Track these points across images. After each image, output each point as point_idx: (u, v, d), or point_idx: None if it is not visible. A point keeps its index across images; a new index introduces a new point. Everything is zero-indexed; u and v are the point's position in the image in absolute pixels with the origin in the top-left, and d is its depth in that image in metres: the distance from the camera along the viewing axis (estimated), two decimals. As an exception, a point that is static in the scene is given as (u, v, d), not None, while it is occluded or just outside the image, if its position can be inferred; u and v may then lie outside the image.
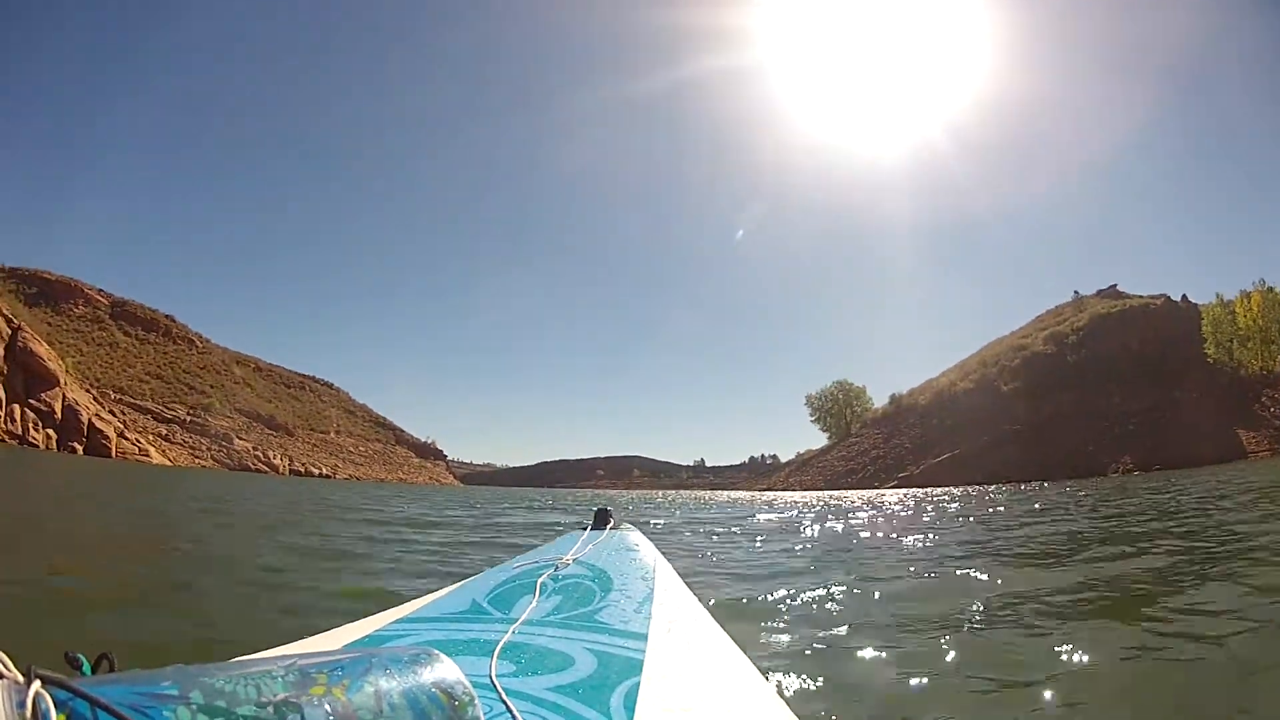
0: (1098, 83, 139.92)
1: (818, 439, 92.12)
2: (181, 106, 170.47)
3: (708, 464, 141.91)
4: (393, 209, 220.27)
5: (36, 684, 0.43)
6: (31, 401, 53.19)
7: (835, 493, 44.86)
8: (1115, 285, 78.17)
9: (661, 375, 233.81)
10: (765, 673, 1.20)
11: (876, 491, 44.06)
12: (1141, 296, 70.60)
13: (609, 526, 2.19)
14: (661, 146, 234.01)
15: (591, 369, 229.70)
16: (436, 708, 0.60)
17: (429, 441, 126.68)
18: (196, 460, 76.61)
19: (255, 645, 0.98)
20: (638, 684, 0.99)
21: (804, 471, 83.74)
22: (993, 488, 34.49)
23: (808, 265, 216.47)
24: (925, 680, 2.31)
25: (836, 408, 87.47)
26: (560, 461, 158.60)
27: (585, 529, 2.13)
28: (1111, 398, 59.09)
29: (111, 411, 66.15)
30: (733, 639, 1.28)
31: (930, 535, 7.83)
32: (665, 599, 1.44)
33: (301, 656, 0.60)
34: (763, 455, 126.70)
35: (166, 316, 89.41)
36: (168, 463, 67.73)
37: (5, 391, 50.44)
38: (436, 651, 0.67)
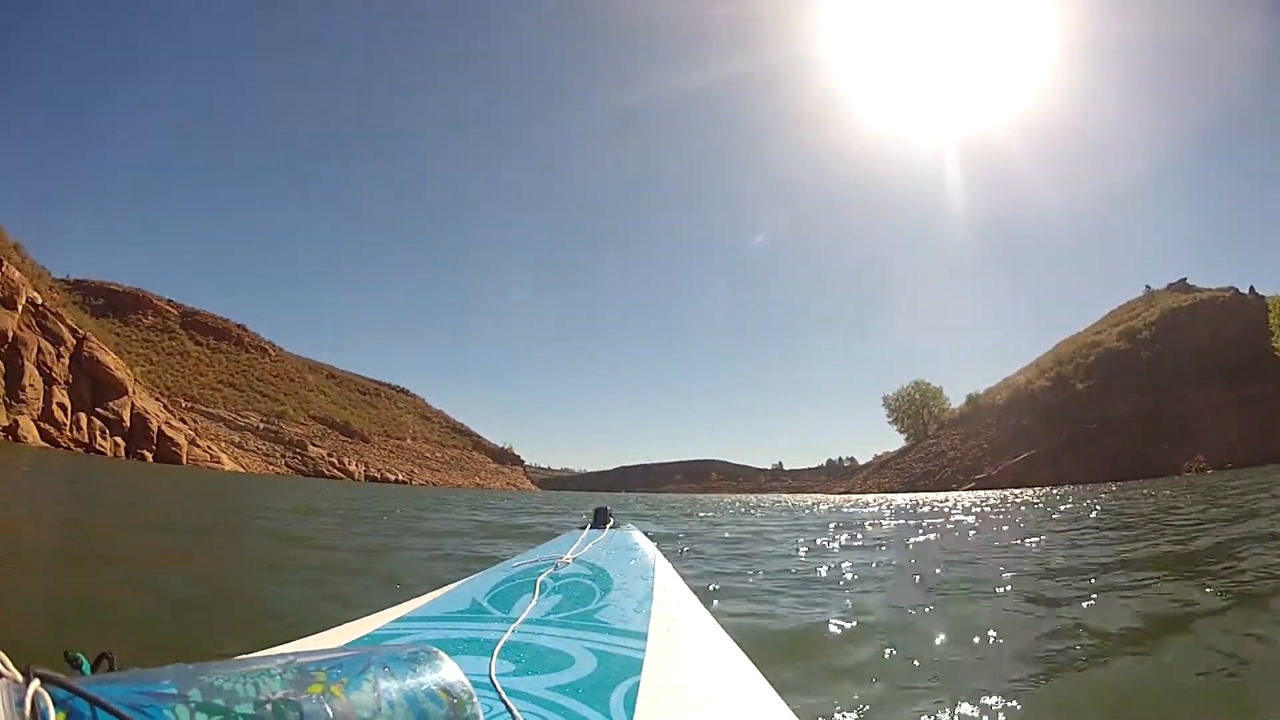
0: (1164, 76, 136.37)
1: (895, 440, 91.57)
2: (238, 123, 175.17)
3: (785, 467, 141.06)
4: (470, 216, 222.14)
5: (35, 683, 0.42)
6: (99, 410, 51.13)
7: (914, 495, 42.66)
8: (1185, 279, 75.94)
9: (739, 378, 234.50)
10: (765, 672, 1.10)
11: (958, 494, 40.80)
12: (1210, 290, 68.76)
13: (609, 525, 2.13)
14: (734, 144, 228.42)
15: (670, 372, 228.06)
16: (436, 706, 0.59)
17: (506, 447, 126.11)
18: (270, 467, 74.79)
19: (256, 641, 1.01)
20: (637, 683, 0.99)
21: (882, 474, 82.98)
22: (1059, 490, 32.58)
23: (883, 265, 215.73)
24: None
25: (914, 408, 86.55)
26: (638, 466, 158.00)
27: (585, 528, 2.08)
28: (1184, 393, 57.75)
29: (182, 419, 64.39)
30: (732, 638, 1.26)
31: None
32: (665, 598, 1.44)
33: (300, 655, 0.59)
34: (840, 458, 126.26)
35: (238, 325, 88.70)
36: (240, 469, 65.69)
37: (71, 400, 48.30)
38: (436, 650, 0.66)
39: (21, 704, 0.41)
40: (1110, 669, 2.50)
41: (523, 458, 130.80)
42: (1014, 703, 2.09)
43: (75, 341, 50.03)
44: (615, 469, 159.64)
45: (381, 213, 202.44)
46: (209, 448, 63.63)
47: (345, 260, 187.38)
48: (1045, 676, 2.40)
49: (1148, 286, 78.15)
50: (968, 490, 53.06)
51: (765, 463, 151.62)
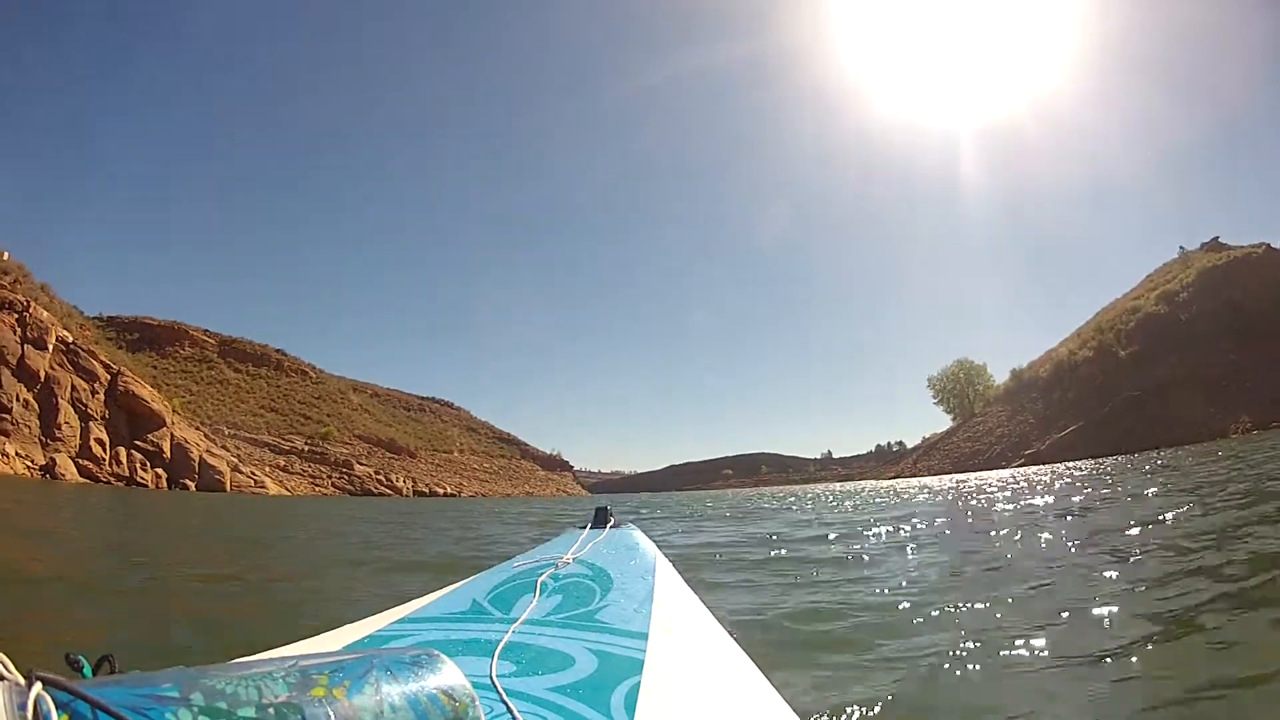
0: (1191, 44, 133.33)
1: (942, 421, 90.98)
2: (257, 151, 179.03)
3: (834, 455, 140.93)
4: (505, 225, 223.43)
5: (38, 686, 0.42)
6: (138, 443, 51.36)
7: (962, 476, 41.80)
8: (1217, 237, 74.28)
9: (784, 369, 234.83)
10: (766, 672, 1.12)
11: (1010, 472, 39.72)
12: (1244, 246, 67.84)
13: (609, 525, 2.13)
14: (762, 128, 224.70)
15: (715, 368, 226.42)
16: (437, 708, 0.60)
17: (554, 453, 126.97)
18: (317, 488, 74.93)
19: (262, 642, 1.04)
20: (638, 684, 0.99)
21: (930, 456, 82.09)
22: (1110, 462, 31.44)
23: (919, 243, 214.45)
24: None
25: (958, 388, 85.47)
26: (688, 464, 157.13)
27: (585, 527, 2.08)
28: (1226, 355, 56.66)
29: (224, 447, 64.78)
30: (733, 638, 1.27)
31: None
32: (665, 598, 1.44)
33: (302, 657, 0.59)
34: (889, 442, 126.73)
35: (276, 350, 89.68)
36: (285, 492, 65.68)
37: (109, 435, 48.53)
38: (437, 652, 0.66)
39: (24, 707, 0.41)
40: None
41: (572, 463, 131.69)
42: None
43: (110, 377, 50.31)
44: (665, 468, 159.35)
45: (412, 229, 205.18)
46: (252, 473, 63.71)
47: (379, 279, 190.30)
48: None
49: (1181, 248, 76.32)
50: (1017, 467, 52.10)
51: (814, 452, 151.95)
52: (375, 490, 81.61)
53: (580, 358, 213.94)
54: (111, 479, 47.22)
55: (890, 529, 7.83)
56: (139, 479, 50.05)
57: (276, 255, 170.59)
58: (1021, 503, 10.39)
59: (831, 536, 7.42)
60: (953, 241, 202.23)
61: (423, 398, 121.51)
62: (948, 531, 7.70)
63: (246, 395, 77.47)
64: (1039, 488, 14.96)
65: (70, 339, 46.82)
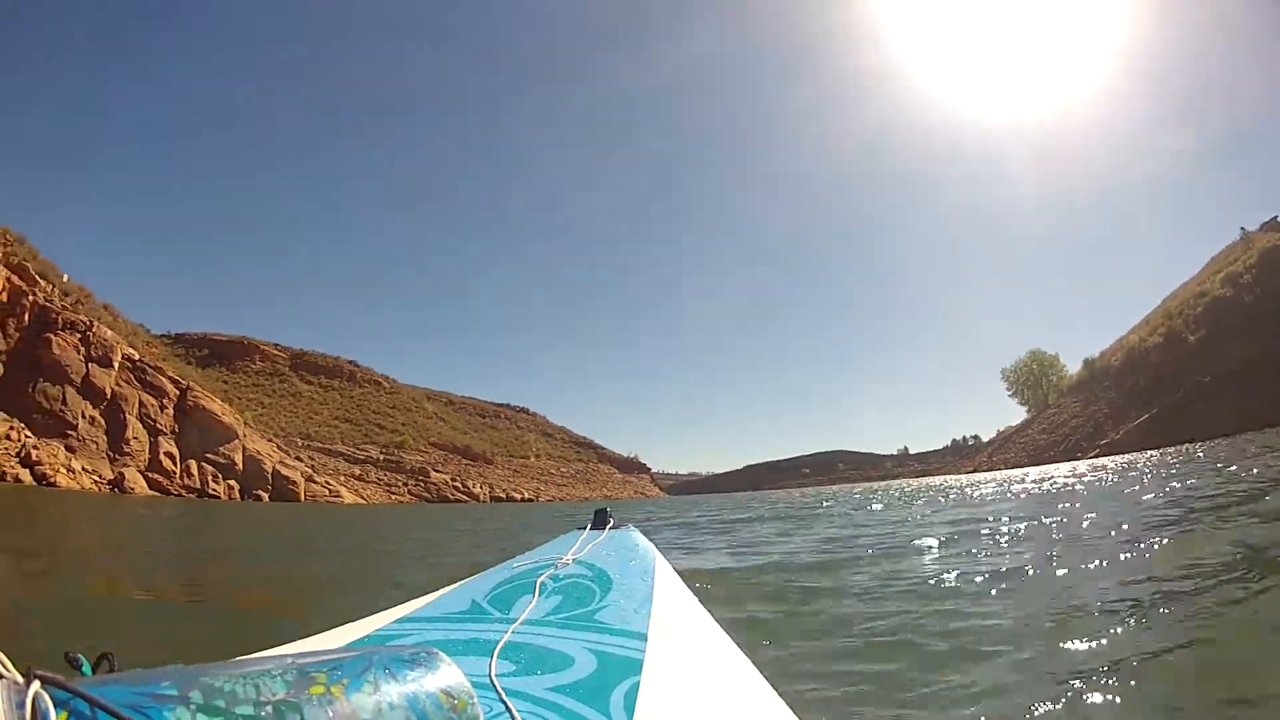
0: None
1: (1016, 414, 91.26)
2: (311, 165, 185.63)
3: (910, 451, 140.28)
4: (570, 233, 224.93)
5: (36, 684, 0.42)
6: (209, 456, 51.90)
7: (1040, 469, 40.24)
8: (1276, 217, 72.25)
9: (860, 365, 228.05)
10: (764, 672, 1.13)
11: (1087, 464, 37.40)
12: None
13: (608, 526, 2.14)
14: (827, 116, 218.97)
15: (791, 367, 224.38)
16: (436, 707, 0.59)
17: (632, 456, 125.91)
18: (393, 496, 75.03)
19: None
20: (637, 684, 1.00)
21: (1006, 449, 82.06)
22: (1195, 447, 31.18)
23: (987, 235, 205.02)
24: None
25: (1032, 379, 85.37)
26: (765, 464, 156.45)
27: (585, 528, 2.09)
28: None
29: (298, 458, 65.35)
30: (732, 639, 1.28)
31: None
32: (665, 599, 1.44)
33: (300, 656, 0.59)
34: (964, 437, 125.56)
35: (349, 362, 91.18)
36: (361, 501, 65.66)
37: (179, 448, 49.05)
38: (436, 651, 0.66)
39: (22, 705, 0.41)
40: None
41: (649, 465, 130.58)
42: None
43: (179, 392, 50.90)
44: (743, 468, 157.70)
45: (486, 237, 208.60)
46: (327, 483, 63.88)
47: (452, 289, 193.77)
48: None
49: (1243, 229, 73.83)
50: (1093, 458, 52.07)
51: (890, 448, 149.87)
52: (451, 497, 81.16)
53: (657, 360, 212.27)
54: (182, 491, 47.52)
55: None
56: (210, 490, 50.34)
57: (348, 269, 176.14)
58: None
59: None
60: (1020, 231, 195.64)
61: (498, 404, 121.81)
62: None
63: (320, 407, 78.59)
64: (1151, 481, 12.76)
65: (136, 356, 47.41)
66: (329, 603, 4.79)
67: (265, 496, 54.65)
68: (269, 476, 56.56)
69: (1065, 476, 20.06)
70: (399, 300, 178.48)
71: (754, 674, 1.10)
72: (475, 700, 0.64)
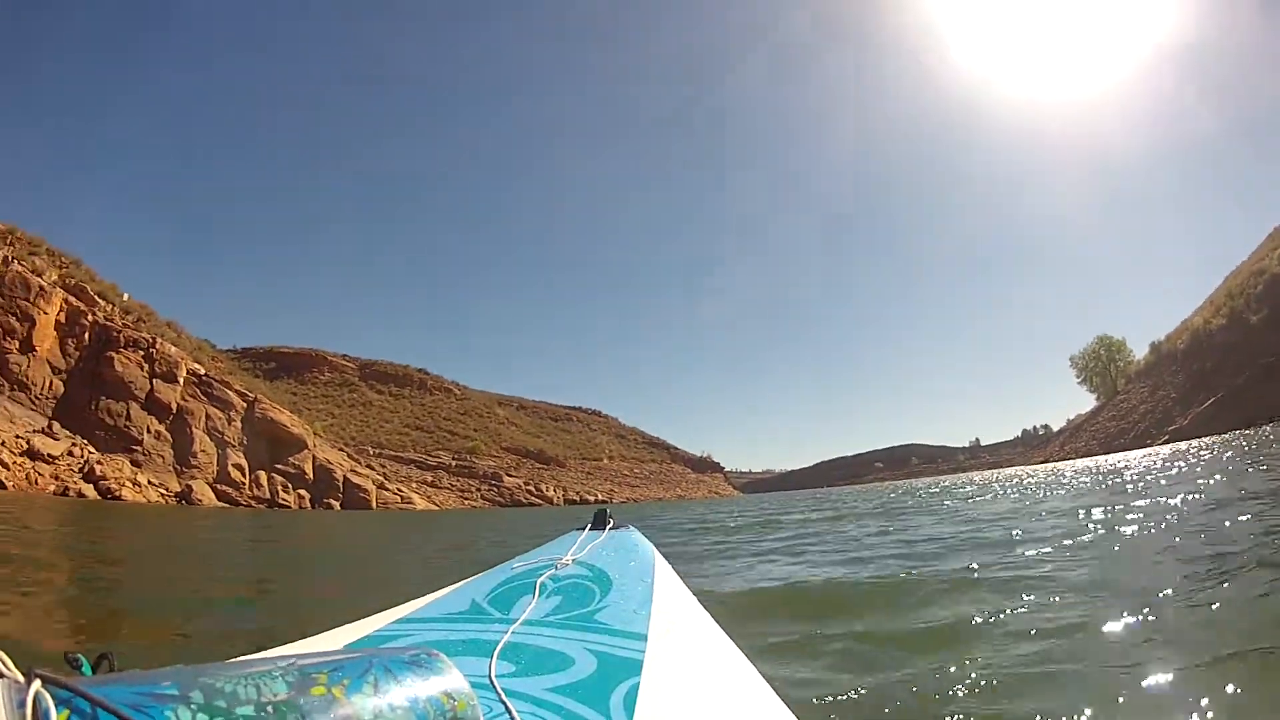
0: None
1: (1085, 401, 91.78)
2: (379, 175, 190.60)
3: (982, 443, 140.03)
4: (642, 233, 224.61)
5: (37, 683, 0.42)
6: (278, 466, 52.32)
7: (1111, 458, 39.94)
8: None
9: (930, 358, 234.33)
10: (764, 672, 1.14)
11: (1152, 451, 37.38)
12: None
13: (608, 526, 2.11)
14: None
15: (862, 362, 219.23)
16: (436, 708, 0.59)
17: (705, 455, 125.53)
18: (466, 501, 74.75)
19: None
20: (637, 684, 1.00)
21: (1077, 438, 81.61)
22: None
23: (1049, 222, 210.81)
24: None
25: (1100, 365, 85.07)
26: (838, 460, 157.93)
27: (584, 529, 2.06)
28: None
29: (369, 466, 65.67)
30: (732, 639, 1.29)
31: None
32: (664, 599, 1.45)
33: (301, 656, 0.59)
34: (1035, 426, 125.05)
35: (419, 370, 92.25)
36: (433, 507, 65.46)
37: (248, 460, 49.53)
38: (436, 652, 0.67)
39: (23, 704, 0.41)
40: None
41: (723, 463, 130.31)
42: None
43: (245, 404, 51.47)
44: (815, 465, 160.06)
45: (552, 241, 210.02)
46: (398, 489, 63.82)
47: (522, 294, 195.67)
48: None
49: None
50: (1162, 444, 51.67)
51: (961, 441, 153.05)
52: (525, 500, 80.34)
53: (728, 358, 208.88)
54: (251, 502, 47.74)
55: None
56: (280, 500, 50.49)
57: (415, 279, 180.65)
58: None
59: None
60: (1078, 218, 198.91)
61: (570, 407, 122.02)
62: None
63: (390, 415, 79.34)
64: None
65: (202, 371, 48.01)
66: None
67: (336, 505, 54.64)
68: (340, 485, 56.65)
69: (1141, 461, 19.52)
70: (469, 310, 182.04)
71: (754, 674, 1.10)
72: (475, 701, 0.63)
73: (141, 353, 42.72)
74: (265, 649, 0.88)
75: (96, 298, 40.30)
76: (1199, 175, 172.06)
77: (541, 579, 1.46)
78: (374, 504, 57.78)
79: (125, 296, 43.13)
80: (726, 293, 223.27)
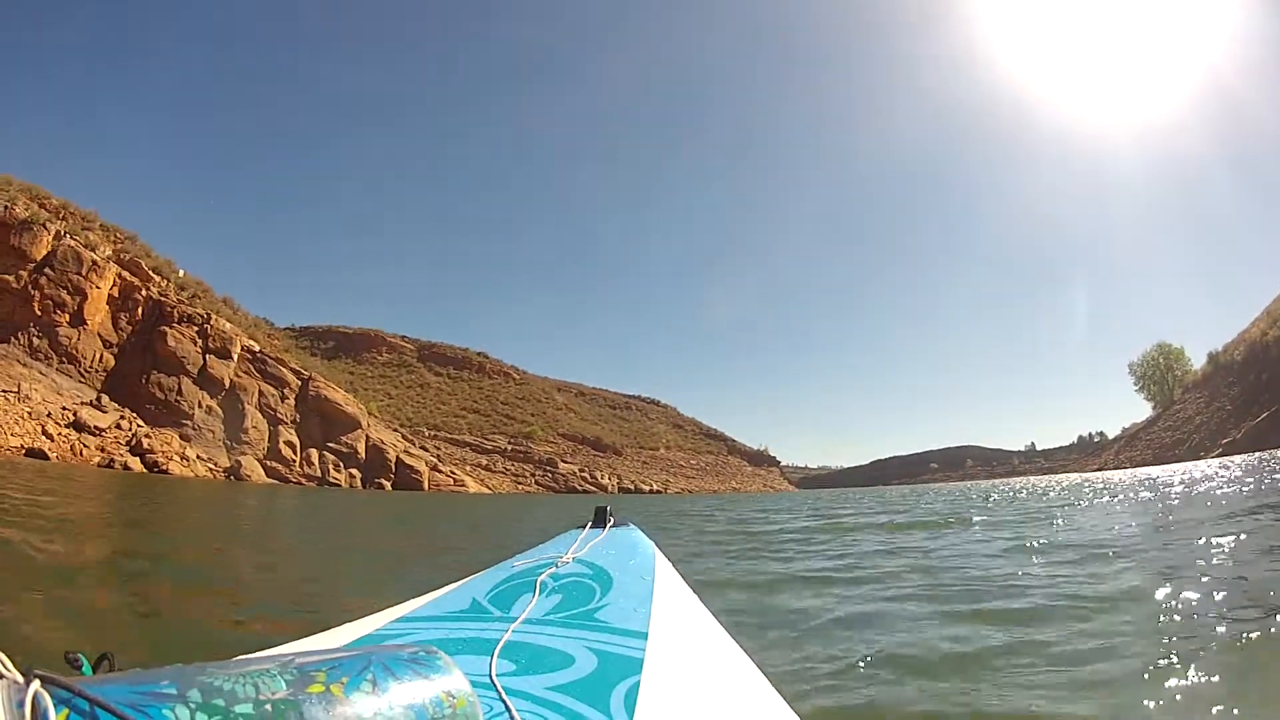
0: None
1: (1141, 409, 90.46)
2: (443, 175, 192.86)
3: (1038, 447, 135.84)
4: (708, 222, 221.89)
5: (36, 683, 0.42)
6: (330, 444, 52.49)
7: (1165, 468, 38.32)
8: None
9: (989, 358, 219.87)
10: (765, 671, 1.14)
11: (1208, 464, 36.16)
12: None
13: (609, 524, 2.11)
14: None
15: (920, 361, 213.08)
16: (436, 707, 0.59)
17: (762, 449, 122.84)
18: (520, 486, 74.01)
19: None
20: (638, 683, 1.00)
21: (1132, 446, 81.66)
22: None
23: (1107, 227, 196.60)
24: None
25: (1158, 373, 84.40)
26: (894, 458, 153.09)
27: (585, 527, 2.06)
28: None
29: (423, 447, 65.58)
30: (733, 637, 1.29)
31: None
32: (665, 597, 1.44)
33: (300, 655, 0.59)
34: (1090, 433, 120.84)
35: (479, 353, 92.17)
36: (486, 490, 64.96)
37: (300, 437, 49.75)
38: (436, 650, 0.67)
39: (22, 704, 0.41)
40: None
41: (779, 458, 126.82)
42: None
43: (300, 383, 51.79)
44: (871, 463, 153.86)
45: (612, 230, 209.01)
46: (451, 472, 63.47)
47: (584, 281, 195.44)
48: None
49: None
50: (1215, 457, 51.32)
51: (1017, 444, 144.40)
52: (579, 488, 79.13)
53: (789, 352, 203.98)
54: (302, 479, 47.91)
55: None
56: (331, 479, 50.60)
57: (479, 265, 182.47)
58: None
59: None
60: (1141, 224, 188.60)
61: (629, 396, 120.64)
62: None
63: (448, 398, 79.38)
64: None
65: (257, 348, 48.35)
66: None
67: (388, 485, 54.51)
68: (392, 465, 56.53)
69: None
70: (531, 296, 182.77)
71: (755, 673, 1.10)
72: (475, 699, 0.63)
73: (195, 328, 43.12)
74: (264, 648, 0.87)
75: (151, 273, 40.70)
76: (1260, 185, 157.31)
77: (542, 577, 1.44)
78: (426, 485, 57.45)
79: (181, 273, 43.59)
80: (790, 288, 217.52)
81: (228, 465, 41.69)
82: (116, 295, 37.77)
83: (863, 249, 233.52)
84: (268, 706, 0.50)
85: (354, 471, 53.55)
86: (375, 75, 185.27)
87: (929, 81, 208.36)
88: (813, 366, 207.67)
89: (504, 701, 0.87)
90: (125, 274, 38.40)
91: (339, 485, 50.63)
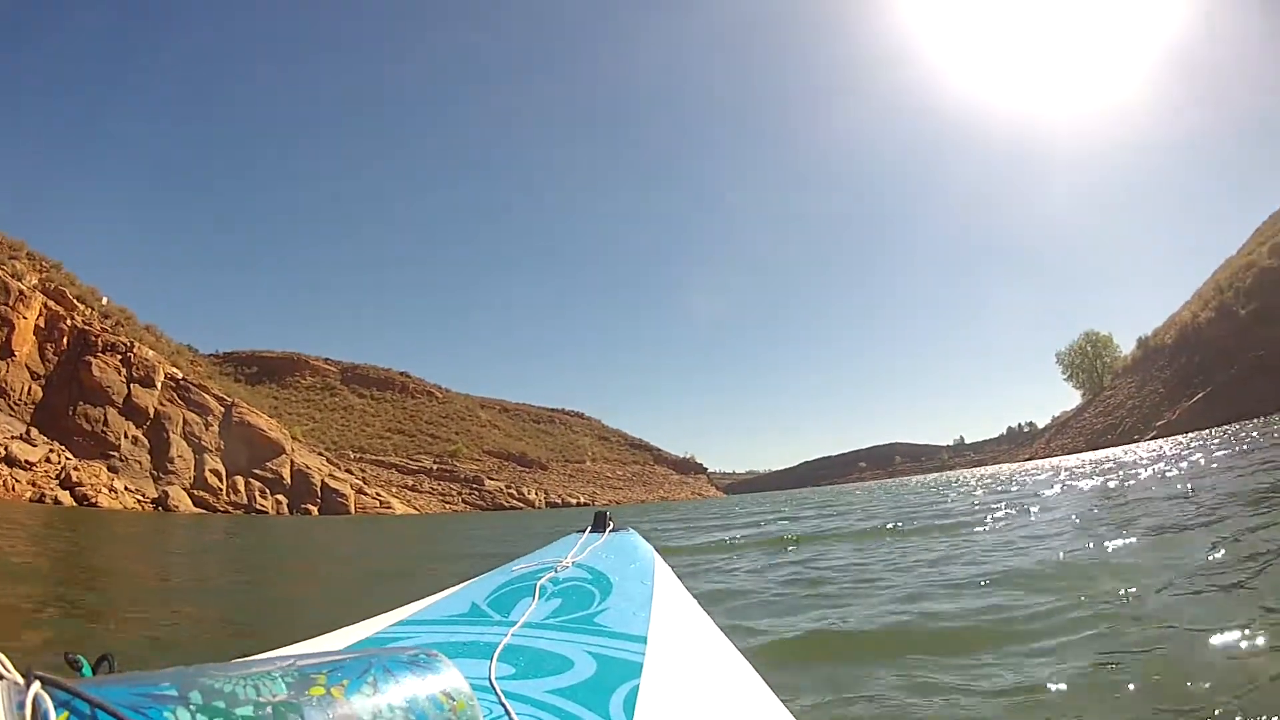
0: None
1: (1072, 398, 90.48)
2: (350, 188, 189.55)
3: (966, 441, 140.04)
4: (620, 231, 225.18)
5: (36, 684, 0.43)
6: (256, 471, 52.19)
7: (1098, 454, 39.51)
8: None
9: (914, 355, 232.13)
10: (764, 676, 1.13)
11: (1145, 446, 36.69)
12: None
13: (608, 529, 2.12)
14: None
15: (845, 360, 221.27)
16: (436, 709, 0.59)
17: (688, 457, 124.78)
18: (448, 505, 74.69)
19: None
20: (637, 687, 1.00)
21: (1063, 434, 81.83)
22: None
23: (1026, 223, 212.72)
24: None
25: (1086, 361, 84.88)
26: (821, 459, 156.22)
27: (584, 531, 2.08)
28: None
29: (348, 470, 65.54)
30: (731, 641, 1.28)
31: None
32: (664, 601, 1.44)
33: (301, 657, 0.59)
34: (1020, 424, 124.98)
35: (401, 373, 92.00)
36: (413, 511, 65.52)
37: (225, 465, 49.42)
38: (436, 653, 0.67)
39: (22, 706, 0.41)
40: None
41: (706, 465, 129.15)
42: None
43: (223, 409, 51.36)
44: (799, 465, 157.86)
45: (534, 244, 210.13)
46: (377, 494, 63.79)
47: (503, 297, 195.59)
48: None
49: None
50: (1150, 439, 52.11)
51: (945, 439, 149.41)
52: (507, 504, 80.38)
53: (711, 359, 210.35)
54: (229, 508, 47.63)
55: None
56: (258, 506, 50.39)
57: (395, 283, 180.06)
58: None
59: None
60: (1064, 212, 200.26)
61: (553, 409, 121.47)
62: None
63: (372, 419, 79.18)
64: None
65: (180, 375, 47.86)
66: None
67: (314, 510, 54.57)
68: (318, 490, 56.57)
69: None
70: (450, 311, 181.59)
71: (753, 677, 1.10)
72: (475, 703, 0.63)
73: (119, 356, 42.59)
74: (264, 650, 0.90)
75: (76, 301, 40.17)
76: (1183, 172, 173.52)
77: (541, 581, 1.47)
78: (353, 509, 57.75)
79: (105, 300, 43.00)
80: (709, 294, 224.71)
81: (155, 496, 41.42)
82: (43, 325, 37.24)
83: (785, 254, 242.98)
84: (268, 709, 0.50)
85: (280, 498, 53.46)
86: (289, 96, 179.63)
87: (855, 80, 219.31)
88: (737, 372, 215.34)
89: (503, 705, 0.88)
90: (51, 303, 37.90)
91: (266, 512, 50.51)
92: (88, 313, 41.22)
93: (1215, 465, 11.04)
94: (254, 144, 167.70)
